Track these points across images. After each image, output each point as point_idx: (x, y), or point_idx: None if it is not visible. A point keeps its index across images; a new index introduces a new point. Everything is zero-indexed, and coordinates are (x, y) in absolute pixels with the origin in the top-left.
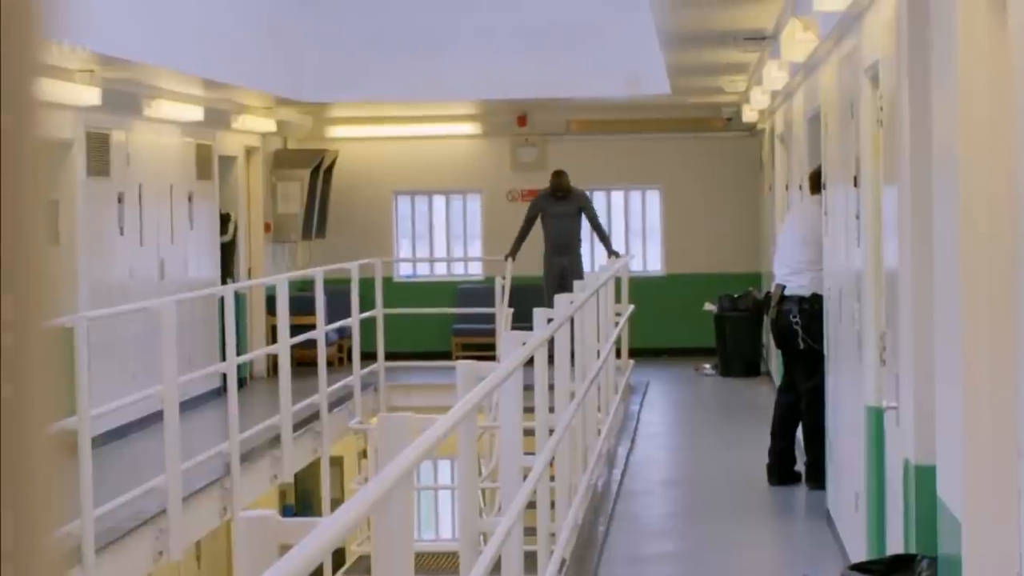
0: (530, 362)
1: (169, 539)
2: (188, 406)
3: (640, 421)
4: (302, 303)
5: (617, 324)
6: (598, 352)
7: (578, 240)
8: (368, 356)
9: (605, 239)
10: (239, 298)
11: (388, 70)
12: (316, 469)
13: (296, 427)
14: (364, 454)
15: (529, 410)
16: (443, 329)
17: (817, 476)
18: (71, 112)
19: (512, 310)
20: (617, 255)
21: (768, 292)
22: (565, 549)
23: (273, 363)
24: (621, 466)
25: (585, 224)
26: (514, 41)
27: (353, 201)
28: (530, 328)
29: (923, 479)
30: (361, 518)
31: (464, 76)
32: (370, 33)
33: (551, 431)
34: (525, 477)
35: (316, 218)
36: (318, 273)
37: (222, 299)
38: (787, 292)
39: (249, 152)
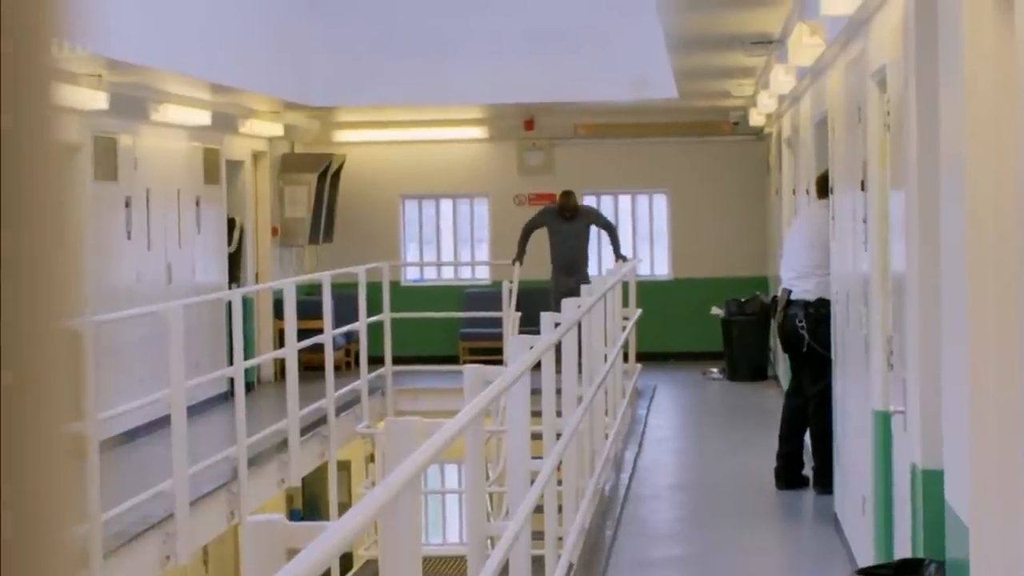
0: (537, 366)
1: (176, 543)
2: (195, 410)
3: (647, 425)
4: (309, 307)
5: (624, 328)
6: (605, 356)
7: (585, 259)
8: (375, 360)
9: (615, 242)
10: (246, 302)
11: (395, 74)
12: (323, 473)
13: (303, 431)
14: (371, 458)
15: (536, 414)
16: (450, 333)
17: (824, 480)
18: (78, 116)
19: (519, 314)
20: (624, 259)
21: (775, 296)
22: (572, 553)
23: (280, 367)
24: (628, 470)
25: (592, 239)
26: (521, 45)
27: (360, 205)
28: (537, 332)
29: (930, 483)
30: (368, 522)
31: (471, 80)
32: (377, 37)
33: (558, 435)
34: (532, 481)
35: (323, 222)
36: (325, 277)
37: (229, 303)
38: (793, 296)
39: (256, 156)
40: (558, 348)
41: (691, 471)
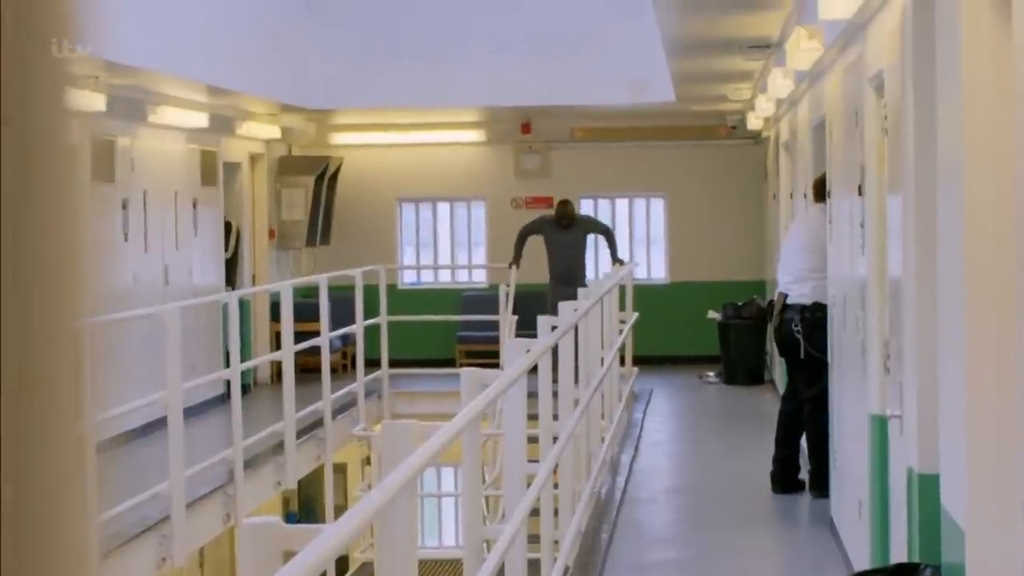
0: (534, 369)
1: (172, 545)
2: (192, 412)
3: (644, 429)
4: (306, 310)
5: (621, 332)
6: (602, 359)
7: (583, 269)
8: (372, 363)
9: (613, 246)
10: (243, 305)
11: (392, 77)
12: (320, 476)
13: (300, 434)
14: (368, 461)
15: (533, 417)
16: (447, 336)
17: (821, 484)
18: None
19: (516, 317)
20: (622, 263)
21: (772, 300)
22: (569, 557)
23: (277, 370)
24: (625, 474)
25: (590, 246)
26: (518, 48)
27: (357, 208)
28: (534, 335)
29: (926, 488)
30: (365, 525)
31: (468, 83)
32: (374, 40)
33: (555, 438)
34: (529, 484)
35: (320, 225)
36: (322, 280)
37: (226, 306)
38: (789, 300)
39: (253, 159)
40: (555, 351)
41: (687, 475)
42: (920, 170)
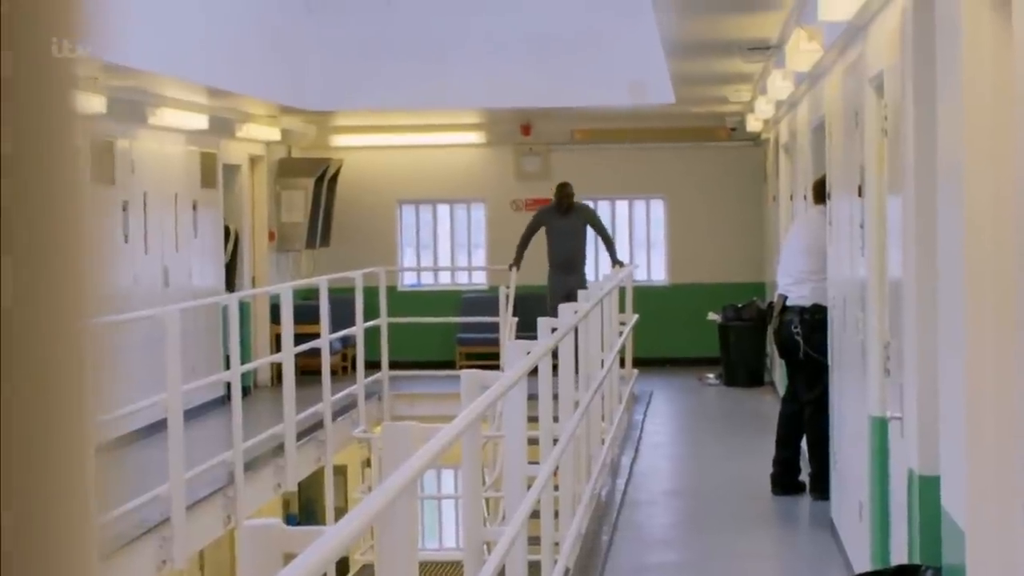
0: (534, 371)
1: (173, 548)
2: (192, 415)
3: (644, 431)
4: (306, 312)
5: (621, 334)
6: (602, 361)
7: (583, 257)
8: (372, 365)
9: (611, 248)
10: (243, 307)
11: (392, 79)
12: (320, 478)
13: (300, 436)
14: (368, 463)
15: (533, 419)
16: (447, 338)
17: (821, 486)
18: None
19: (516, 319)
20: (621, 265)
21: (771, 302)
22: (569, 559)
23: (277, 372)
24: (625, 476)
25: (589, 238)
26: (518, 50)
27: (357, 210)
28: (534, 337)
29: (927, 489)
30: (365, 527)
31: (468, 85)
32: (374, 42)
33: (555, 440)
34: (529, 486)
35: (320, 227)
36: (322, 282)
37: (226, 308)
38: (789, 302)
39: (253, 161)
40: (555, 353)
41: (687, 477)
42: (920, 171)
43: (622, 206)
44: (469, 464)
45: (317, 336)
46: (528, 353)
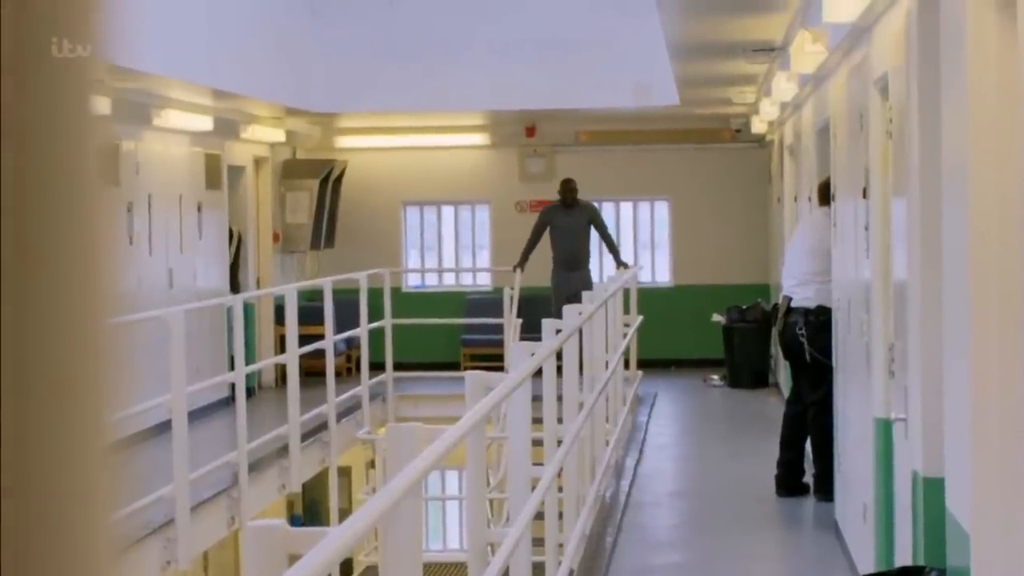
0: (539, 373)
1: (177, 548)
2: (196, 416)
3: (648, 432)
4: (310, 313)
5: (625, 335)
6: (606, 363)
7: (587, 254)
8: (376, 366)
9: (614, 250)
10: (248, 308)
11: (397, 81)
12: (324, 479)
13: (304, 437)
14: (372, 464)
15: (537, 421)
16: (451, 339)
17: (825, 488)
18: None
19: (521, 320)
20: (626, 266)
21: (776, 303)
22: (573, 560)
23: (281, 373)
24: (629, 477)
25: (593, 236)
26: (523, 52)
27: (362, 211)
28: (539, 339)
29: (931, 491)
30: (369, 528)
31: (473, 87)
32: (379, 43)
33: (559, 442)
34: (533, 488)
35: (325, 228)
36: (327, 283)
37: (230, 309)
38: (793, 304)
39: (258, 162)
40: (559, 355)
41: (692, 478)
42: (924, 173)
43: (626, 207)
44: (473, 465)
45: (321, 337)
46: (532, 354)
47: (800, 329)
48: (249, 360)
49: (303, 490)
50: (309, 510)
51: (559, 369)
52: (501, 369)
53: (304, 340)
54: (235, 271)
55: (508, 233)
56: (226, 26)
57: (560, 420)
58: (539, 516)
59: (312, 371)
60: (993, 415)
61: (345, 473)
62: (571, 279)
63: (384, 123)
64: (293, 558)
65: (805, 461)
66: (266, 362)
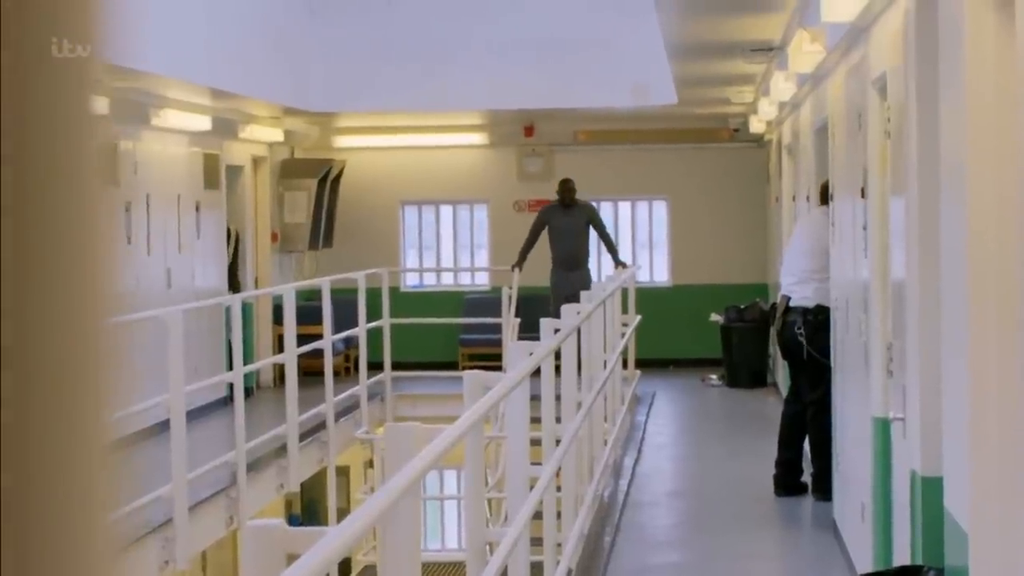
0: (537, 372)
1: (175, 548)
2: (194, 415)
3: (646, 431)
4: (309, 313)
5: (624, 335)
6: (605, 362)
7: (586, 254)
8: (375, 366)
9: (613, 249)
10: (246, 308)
11: (395, 80)
12: (322, 479)
13: (302, 437)
14: (370, 464)
15: (536, 420)
16: (450, 339)
17: (823, 487)
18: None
19: (519, 320)
20: (624, 265)
21: (774, 303)
22: (571, 559)
23: (280, 373)
24: (627, 477)
25: (592, 236)
26: (521, 51)
27: (360, 211)
28: (537, 338)
29: (930, 490)
30: (368, 528)
31: (471, 86)
32: (377, 43)
33: (558, 441)
34: (531, 487)
35: (323, 228)
36: (325, 283)
37: (229, 308)
38: (792, 303)
39: (256, 162)
40: (557, 354)
41: (690, 478)
42: (923, 172)
43: (625, 207)
44: (472, 465)
45: (320, 337)
46: (531, 354)
47: (799, 328)
48: (247, 360)
49: (301, 490)
50: (307, 510)
51: (557, 369)
52: (499, 369)
53: (302, 340)
54: (233, 271)
55: (506, 233)
56: (224, 26)
57: (558, 419)
58: (537, 515)
59: (310, 371)
60: (991, 414)
61: (343, 473)
62: (570, 279)
63: (382, 123)
64: (291, 558)
65: (803, 460)
66: (264, 362)
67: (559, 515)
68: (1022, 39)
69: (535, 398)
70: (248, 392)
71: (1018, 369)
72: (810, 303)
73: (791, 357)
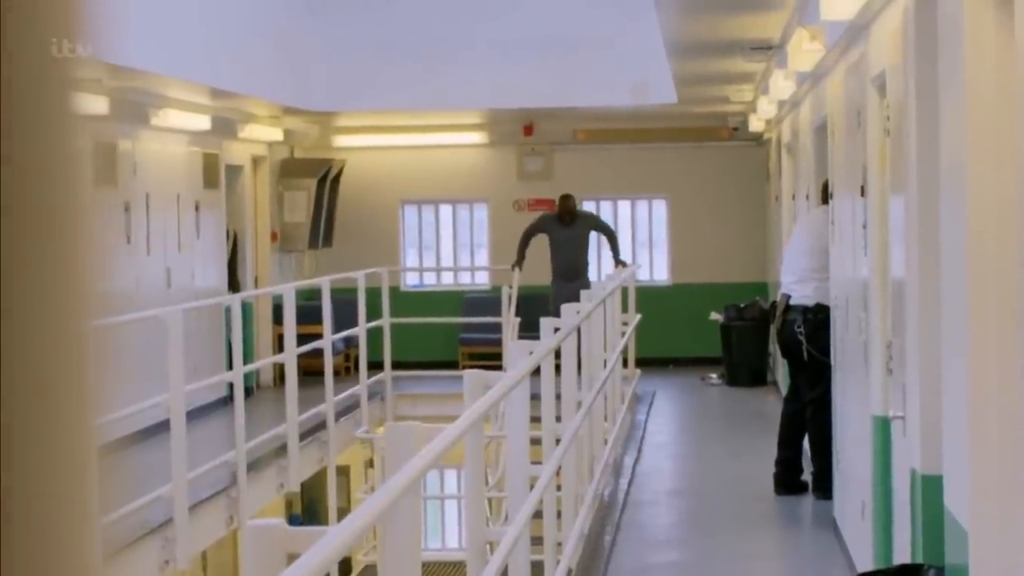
0: (537, 371)
1: (175, 548)
2: (194, 415)
3: (646, 430)
4: (309, 312)
5: (624, 333)
6: (605, 361)
7: (585, 264)
8: (375, 365)
9: (615, 246)
10: (246, 307)
11: (395, 79)
12: (322, 478)
13: (303, 436)
14: (371, 463)
15: (536, 419)
16: (450, 338)
17: (823, 485)
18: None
19: (519, 319)
20: (624, 264)
21: (774, 302)
22: (572, 559)
23: (280, 372)
24: (628, 476)
25: (592, 245)
26: (521, 51)
27: (360, 210)
28: (537, 337)
29: (930, 489)
30: (368, 527)
31: (471, 85)
32: (377, 42)
33: (558, 440)
34: (532, 486)
35: (323, 227)
36: (325, 282)
37: (229, 308)
38: (792, 302)
39: (256, 161)
40: (557, 353)
41: (690, 477)
42: (923, 171)
43: (624, 206)
44: (472, 464)
45: (320, 336)
46: (531, 353)
47: (799, 327)
48: (247, 359)
49: (302, 489)
50: (308, 509)
51: (557, 368)
52: (499, 368)
53: (302, 339)
54: (232, 270)
55: (506, 232)
56: (224, 25)
57: (559, 419)
58: (538, 515)
59: (310, 370)
60: (991, 413)
61: (344, 472)
62: (570, 288)
63: (382, 122)
64: (292, 557)
65: (803, 459)
66: (264, 361)
67: (559, 514)
68: (1021, 36)
69: (535, 397)
70: (248, 392)
71: (1018, 368)
72: (810, 302)
73: (791, 356)
